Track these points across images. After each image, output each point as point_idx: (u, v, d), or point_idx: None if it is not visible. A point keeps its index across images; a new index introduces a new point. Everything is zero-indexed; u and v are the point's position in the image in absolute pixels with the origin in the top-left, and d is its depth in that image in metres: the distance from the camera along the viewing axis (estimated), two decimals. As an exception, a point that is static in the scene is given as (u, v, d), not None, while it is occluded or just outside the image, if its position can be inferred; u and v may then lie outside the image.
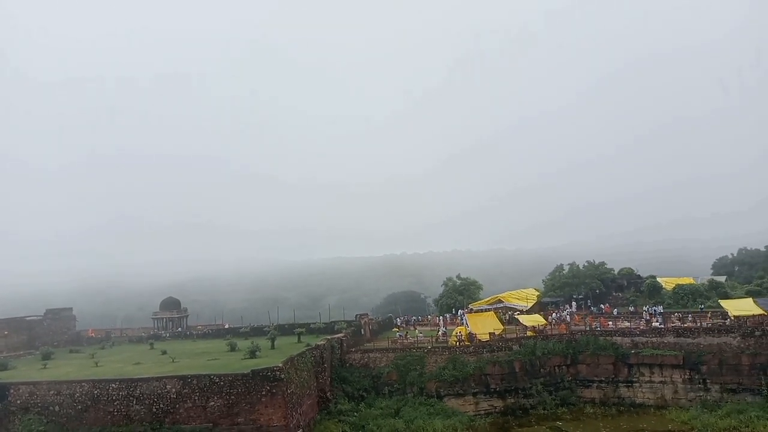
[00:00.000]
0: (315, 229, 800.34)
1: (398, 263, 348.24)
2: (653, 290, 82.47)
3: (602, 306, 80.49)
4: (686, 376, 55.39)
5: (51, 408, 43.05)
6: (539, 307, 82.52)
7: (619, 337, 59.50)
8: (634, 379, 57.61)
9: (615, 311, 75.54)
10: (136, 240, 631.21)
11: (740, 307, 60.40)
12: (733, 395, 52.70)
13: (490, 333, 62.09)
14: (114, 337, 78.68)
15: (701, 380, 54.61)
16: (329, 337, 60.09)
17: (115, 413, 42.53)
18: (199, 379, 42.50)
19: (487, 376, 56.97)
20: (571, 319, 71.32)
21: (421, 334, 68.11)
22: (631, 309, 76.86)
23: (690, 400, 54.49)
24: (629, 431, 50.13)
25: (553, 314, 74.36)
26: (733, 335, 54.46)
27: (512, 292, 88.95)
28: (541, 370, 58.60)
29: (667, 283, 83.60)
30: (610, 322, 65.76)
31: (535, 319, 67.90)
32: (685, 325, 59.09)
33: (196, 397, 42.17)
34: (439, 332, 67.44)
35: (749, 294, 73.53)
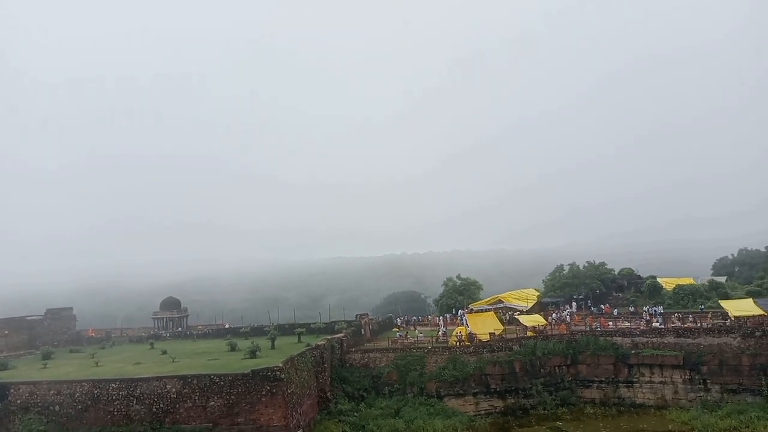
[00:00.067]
0: (315, 229, 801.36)
1: (398, 263, 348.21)
2: (653, 290, 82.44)
3: (602, 306, 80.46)
4: (686, 377, 55.38)
5: (51, 408, 43.07)
6: (539, 308, 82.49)
7: (620, 338, 59.48)
8: (634, 380, 57.59)
9: (615, 311, 75.51)
10: (136, 240, 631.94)
11: (740, 307, 60.40)
12: (734, 396, 52.68)
13: (490, 333, 62.09)
14: (114, 336, 78.70)
15: (701, 381, 54.61)
16: (329, 337, 60.09)
17: (116, 413, 42.54)
18: (200, 379, 42.51)
19: (487, 377, 56.97)
20: (571, 319, 71.32)
21: (421, 334, 68.12)
22: (632, 309, 76.81)
23: (690, 401, 54.48)
24: (629, 431, 50.15)
25: (553, 314, 74.34)
26: (733, 336, 54.44)
27: (512, 293, 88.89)
28: (542, 370, 58.58)
29: (668, 283, 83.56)
30: (611, 323, 65.76)
31: (536, 320, 67.89)
32: (686, 326, 59.08)
33: (196, 397, 42.18)
34: (440, 332, 67.44)
35: (749, 294, 73.52)
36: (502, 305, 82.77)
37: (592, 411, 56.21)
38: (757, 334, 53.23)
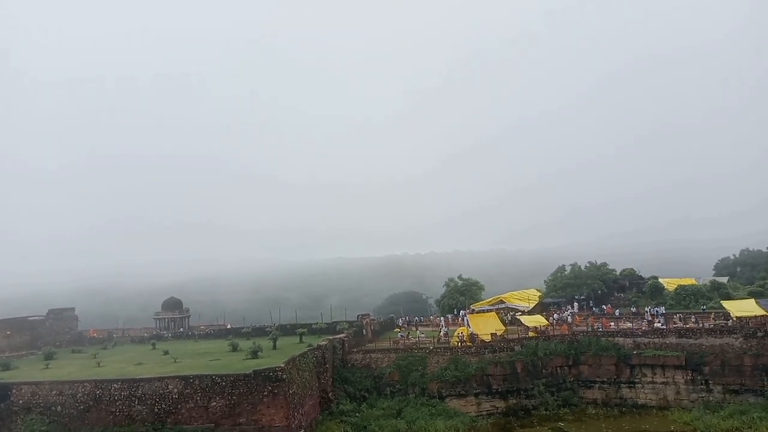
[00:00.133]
0: (316, 230, 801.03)
1: (399, 264, 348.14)
2: (655, 291, 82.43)
3: (604, 307, 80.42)
4: (688, 377, 55.36)
5: (53, 408, 43.11)
6: (541, 308, 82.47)
7: (621, 338, 59.45)
8: (636, 380, 57.56)
9: (617, 312, 75.48)
10: (136, 240, 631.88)
11: (742, 308, 60.32)
12: (736, 396, 52.66)
13: (491, 334, 62.06)
14: (116, 337, 78.71)
15: (703, 381, 54.58)
16: (331, 338, 60.07)
17: (117, 413, 42.58)
18: (201, 380, 42.53)
19: (488, 377, 56.93)
20: (572, 319, 71.26)
21: (422, 335, 68.11)
22: (633, 310, 76.75)
23: (692, 401, 54.45)
24: (631, 432, 50.16)
25: (555, 315, 74.32)
26: (735, 336, 54.40)
27: (514, 293, 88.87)
28: (543, 370, 58.55)
29: (669, 283, 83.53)
30: (612, 323, 65.70)
31: (537, 320, 67.88)
32: (687, 326, 59.05)
33: (198, 398, 42.21)
34: (441, 333, 67.41)
35: (751, 295, 73.46)
36: (503, 306, 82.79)
37: (593, 411, 56.20)
38: (759, 334, 53.19)
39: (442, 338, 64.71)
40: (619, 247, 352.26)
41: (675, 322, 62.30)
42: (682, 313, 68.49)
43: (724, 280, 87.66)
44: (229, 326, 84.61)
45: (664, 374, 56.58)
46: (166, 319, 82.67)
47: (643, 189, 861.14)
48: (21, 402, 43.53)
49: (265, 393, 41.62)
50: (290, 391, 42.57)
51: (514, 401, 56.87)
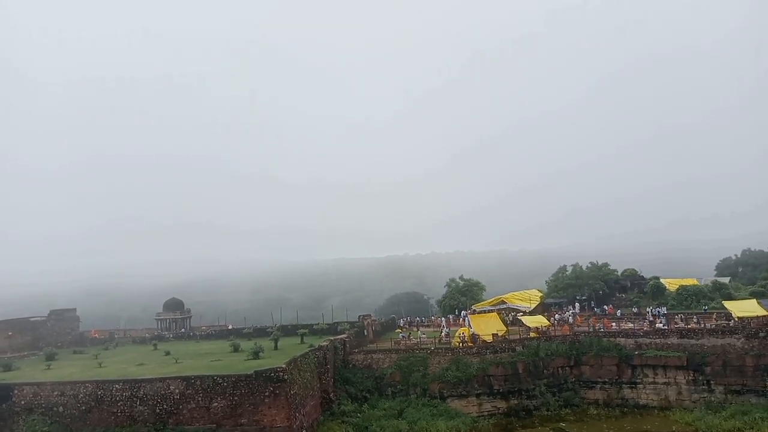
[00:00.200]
0: (317, 230, 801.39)
1: (401, 264, 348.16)
2: (657, 291, 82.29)
3: (606, 307, 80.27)
4: (690, 378, 55.30)
5: (55, 409, 43.17)
6: (542, 308, 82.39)
7: (623, 339, 59.40)
8: (637, 381, 57.53)
9: (618, 312, 75.38)
10: (136, 240, 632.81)
11: (744, 308, 60.13)
12: (738, 396, 52.59)
13: (493, 334, 62.03)
14: (117, 338, 78.76)
15: (705, 381, 54.52)
16: (332, 338, 60.10)
17: (119, 414, 42.63)
18: (203, 380, 42.57)
19: (490, 378, 56.92)
20: (573, 320, 71.20)
21: (424, 335, 68.14)
22: (635, 310, 76.64)
23: (694, 402, 54.40)
24: (633, 432, 50.12)
25: (556, 315, 74.27)
26: (737, 336, 54.33)
27: (515, 293, 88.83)
28: (545, 371, 58.54)
29: (671, 284, 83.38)
30: (614, 324, 65.64)
31: (539, 321, 67.86)
32: (689, 327, 58.99)
33: (200, 398, 42.24)
34: (442, 333, 67.42)
35: (753, 295, 73.21)
36: (505, 306, 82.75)
37: (595, 412, 56.18)
38: (761, 334, 53.08)
39: (444, 339, 64.71)
40: (619, 247, 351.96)
41: (676, 323, 62.24)
42: (683, 313, 68.37)
43: (725, 280, 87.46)
44: (230, 327, 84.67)
45: (665, 375, 56.54)
46: (168, 320, 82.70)
47: (643, 189, 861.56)
48: (23, 402, 43.60)
49: (267, 393, 41.64)
50: (292, 392, 42.59)
51: (516, 402, 56.86)
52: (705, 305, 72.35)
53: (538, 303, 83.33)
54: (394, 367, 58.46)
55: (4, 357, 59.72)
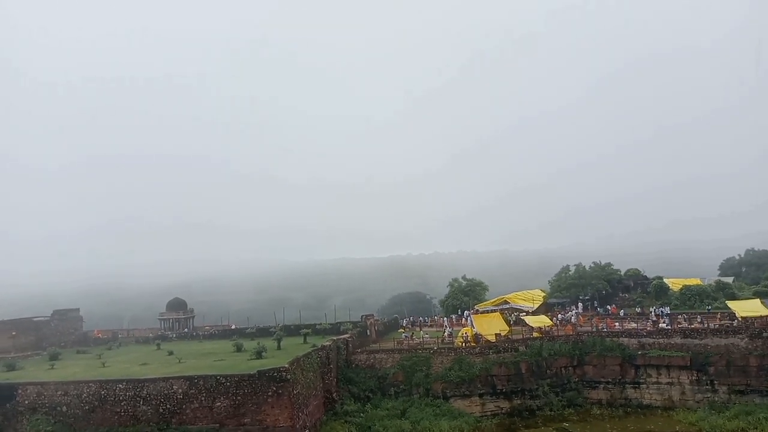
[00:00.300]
0: (319, 230, 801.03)
1: (403, 264, 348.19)
2: (660, 291, 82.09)
3: (609, 307, 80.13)
4: (693, 378, 55.18)
5: (58, 408, 43.28)
6: (545, 308, 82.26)
7: (626, 338, 59.30)
8: (641, 381, 57.42)
9: (622, 312, 75.20)
10: (136, 240, 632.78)
11: (748, 308, 60.04)
12: (741, 397, 52.46)
13: (496, 334, 61.96)
14: (121, 337, 78.92)
15: (709, 381, 54.40)
16: (335, 338, 60.13)
17: (122, 414, 42.73)
18: (206, 380, 42.62)
19: (493, 377, 56.89)
20: (576, 320, 71.08)
21: (426, 335, 68.10)
22: (638, 310, 76.50)
23: (697, 402, 54.28)
24: (636, 433, 50.02)
25: (559, 315, 74.18)
26: (740, 336, 54.20)
27: (518, 293, 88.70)
28: (548, 371, 58.47)
29: (674, 284, 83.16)
30: (617, 323, 65.51)
31: (541, 320, 67.76)
32: (693, 326, 58.85)
33: (203, 398, 42.30)
34: (445, 333, 67.39)
35: (757, 295, 73.08)
36: (507, 306, 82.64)
37: (598, 412, 56.11)
38: (765, 334, 52.93)
39: (446, 339, 64.68)
40: (619, 247, 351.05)
41: (680, 323, 62.10)
42: (686, 313, 68.23)
43: (729, 280, 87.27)
44: (233, 327, 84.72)
45: (669, 374, 56.42)
46: (171, 320, 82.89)
47: (643, 189, 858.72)
48: (26, 402, 43.72)
49: (270, 393, 41.67)
50: (294, 392, 42.62)
51: (519, 402, 56.81)
52: (708, 305, 72.15)
53: (540, 303, 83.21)
54: (397, 366, 58.46)
55: (8, 357, 59.87)
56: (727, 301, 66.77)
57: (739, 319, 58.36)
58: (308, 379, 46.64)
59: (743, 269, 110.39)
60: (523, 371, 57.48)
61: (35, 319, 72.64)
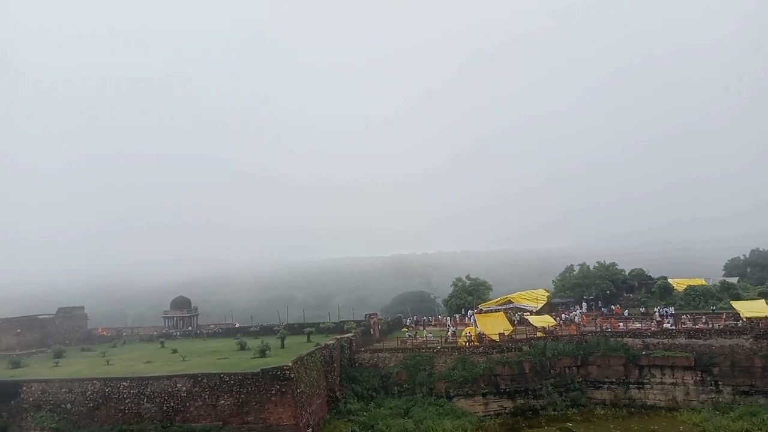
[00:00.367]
0: (319, 230, 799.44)
1: (407, 263, 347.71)
2: (664, 291, 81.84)
3: (613, 307, 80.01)
4: (698, 378, 55.01)
5: (63, 405, 43.47)
6: (549, 308, 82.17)
7: (630, 339, 59.14)
8: (645, 381, 57.25)
9: (626, 312, 75.08)
10: (136, 240, 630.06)
11: (752, 308, 59.87)
12: (746, 397, 52.26)
13: (499, 333, 61.93)
14: (125, 335, 79.15)
15: (713, 382, 54.23)
16: (339, 337, 60.20)
17: (127, 411, 42.89)
18: (210, 378, 42.74)
19: (496, 377, 56.84)
20: (579, 320, 70.95)
21: (430, 335, 68.06)
22: (642, 310, 76.33)
23: (702, 402, 54.10)
24: (640, 433, 49.90)
25: (563, 315, 74.08)
26: (745, 337, 54.02)
27: (522, 293, 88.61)
28: (551, 371, 58.35)
29: (679, 284, 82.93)
30: (621, 324, 65.39)
31: (545, 320, 67.66)
32: (697, 327, 58.69)
33: (207, 396, 42.42)
34: (449, 332, 67.36)
35: (762, 296, 72.66)
36: (511, 306, 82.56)
37: (602, 412, 55.94)
38: (770, 335, 52.77)
39: (450, 338, 64.65)
40: (625, 247, 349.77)
41: (684, 323, 61.93)
42: (691, 313, 68.08)
43: (734, 280, 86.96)
44: (237, 325, 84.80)
45: (673, 375, 56.25)
46: (175, 318, 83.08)
47: (644, 189, 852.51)
48: (31, 399, 43.94)
49: (273, 392, 41.77)
50: (298, 390, 42.69)
51: (522, 401, 56.71)
52: (713, 305, 72.00)
53: (545, 303, 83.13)
54: (400, 366, 58.47)
55: (13, 354, 60.21)
56: (731, 302, 66.54)
57: (744, 319, 58.22)
58: (312, 378, 46.69)
59: (748, 269, 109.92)
60: (527, 371, 57.40)
61: (40, 316, 73.00)
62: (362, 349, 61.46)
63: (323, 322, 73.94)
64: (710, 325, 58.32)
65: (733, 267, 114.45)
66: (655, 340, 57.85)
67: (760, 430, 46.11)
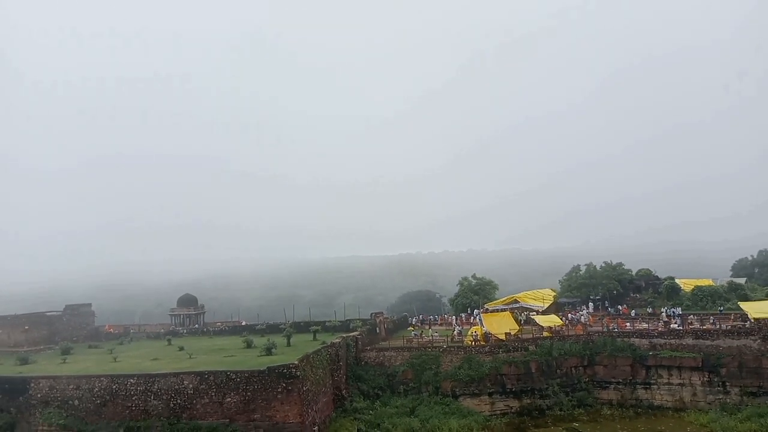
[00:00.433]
0: (320, 229, 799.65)
1: (413, 262, 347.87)
2: (671, 292, 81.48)
3: (620, 307, 79.74)
4: (705, 379, 54.77)
5: (70, 402, 43.73)
6: (555, 308, 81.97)
7: (637, 339, 58.96)
8: (652, 381, 57.07)
9: (633, 312, 74.81)
10: (136, 240, 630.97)
11: (761, 309, 59.49)
12: (754, 398, 52.00)
13: (506, 333, 61.85)
14: (132, 333, 79.45)
15: (720, 383, 53.99)
16: (345, 335, 60.26)
17: (134, 408, 43.09)
18: (216, 376, 42.88)
19: (503, 376, 56.78)
20: (586, 320, 70.75)
21: (436, 334, 68.04)
22: (649, 310, 76.05)
23: (709, 403, 53.88)
24: (647, 433, 49.74)
25: (569, 315, 73.91)
26: (753, 338, 53.74)
27: (528, 293, 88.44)
28: (558, 370, 58.24)
29: (686, 284, 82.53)
30: (628, 324, 65.19)
31: (552, 320, 67.53)
32: (704, 327, 58.44)
33: (213, 393, 42.57)
34: (455, 332, 67.33)
35: (770, 296, 72.47)
36: (518, 305, 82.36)
37: (609, 412, 55.83)
38: (778, 336, 52.47)
39: (456, 337, 64.63)
40: (634, 247, 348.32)
41: (691, 323, 61.67)
42: (698, 314, 67.77)
43: (741, 281, 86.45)
44: (243, 323, 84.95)
45: (680, 375, 56.03)
46: (182, 316, 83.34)
47: (645, 190, 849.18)
48: (39, 396, 44.23)
49: (279, 390, 41.86)
50: (304, 388, 42.76)
51: (528, 401, 56.64)
52: (721, 306, 71.63)
53: (551, 302, 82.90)
54: (406, 364, 58.50)
55: (21, 351, 60.56)
56: (739, 302, 66.17)
57: (752, 320, 57.89)
58: (318, 376, 46.77)
59: (756, 270, 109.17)
60: (533, 371, 57.31)
61: (48, 313, 73.32)
62: (368, 348, 61.52)
63: (329, 321, 73.97)
64: (718, 326, 58.03)
65: (740, 267, 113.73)
66: (663, 341, 57.64)
67: (768, 431, 45.91)
